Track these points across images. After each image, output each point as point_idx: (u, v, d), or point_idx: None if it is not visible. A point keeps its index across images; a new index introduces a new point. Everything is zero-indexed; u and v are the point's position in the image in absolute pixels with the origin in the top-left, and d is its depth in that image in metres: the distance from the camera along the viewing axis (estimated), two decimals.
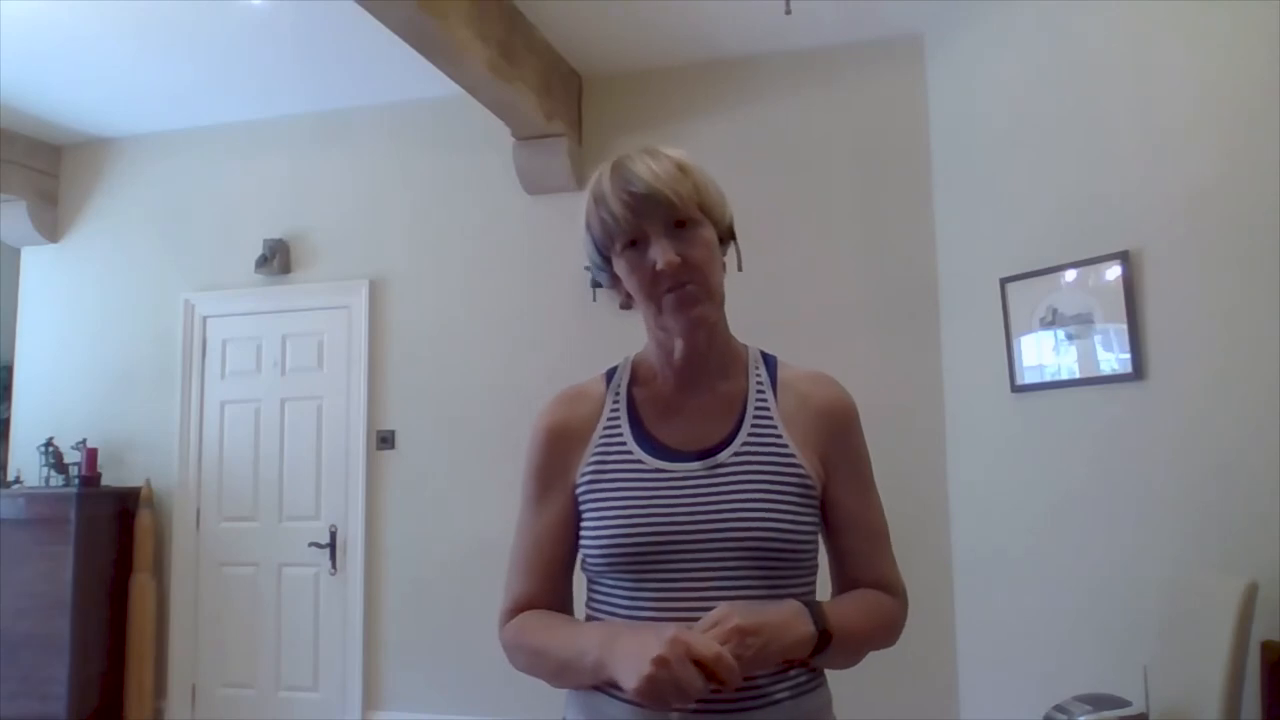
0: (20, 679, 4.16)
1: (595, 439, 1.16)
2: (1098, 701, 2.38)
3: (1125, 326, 2.84)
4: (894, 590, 1.18)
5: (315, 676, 4.30)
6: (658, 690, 0.90)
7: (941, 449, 3.69)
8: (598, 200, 1.12)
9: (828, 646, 1.03)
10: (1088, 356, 3.00)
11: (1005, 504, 3.34)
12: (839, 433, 1.17)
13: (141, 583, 4.38)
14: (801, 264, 3.92)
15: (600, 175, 1.13)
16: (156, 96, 4.41)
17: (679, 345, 1.14)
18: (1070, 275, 3.05)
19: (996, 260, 3.36)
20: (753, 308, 3.94)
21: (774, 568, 1.07)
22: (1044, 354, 3.17)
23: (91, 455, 4.47)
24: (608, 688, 1.05)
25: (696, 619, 0.99)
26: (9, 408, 4.88)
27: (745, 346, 1.24)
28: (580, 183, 4.18)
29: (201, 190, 4.73)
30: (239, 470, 4.51)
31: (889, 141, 3.89)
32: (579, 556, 1.17)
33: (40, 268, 4.97)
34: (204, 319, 4.65)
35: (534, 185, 4.20)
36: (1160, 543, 2.74)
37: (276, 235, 4.54)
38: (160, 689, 4.47)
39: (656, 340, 1.18)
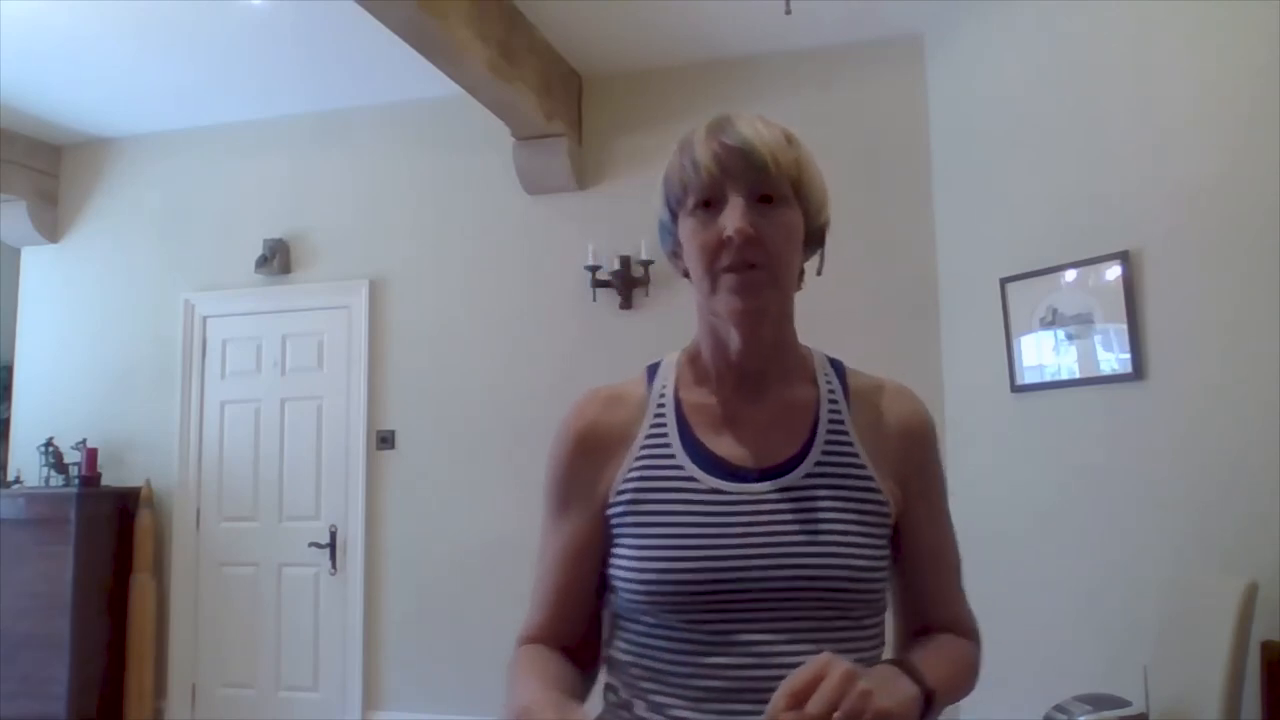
0: (20, 679, 4.16)
1: (635, 450, 0.98)
2: (1098, 701, 2.38)
3: (1125, 326, 2.84)
4: (969, 632, 1.05)
5: (315, 676, 4.30)
6: None
7: (941, 449, 3.68)
8: (683, 148, 0.97)
9: (930, 709, 0.86)
10: (1088, 356, 3.00)
11: (1005, 504, 3.34)
12: (919, 454, 1.03)
13: (141, 583, 4.38)
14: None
15: (697, 127, 0.98)
16: (156, 96, 4.40)
17: (734, 338, 0.96)
18: (1070, 275, 3.05)
19: (996, 260, 3.36)
20: None
21: (849, 610, 0.92)
22: (1044, 354, 3.17)
23: (91, 455, 4.47)
24: None
25: (755, 671, 0.86)
26: (9, 408, 4.88)
27: (810, 350, 1.07)
28: (580, 183, 4.18)
29: (201, 190, 4.73)
30: (239, 470, 4.51)
31: (889, 141, 3.89)
32: (609, 585, 0.99)
33: (40, 268, 4.97)
34: (204, 319, 4.65)
35: (534, 185, 4.20)
36: (1160, 543, 2.74)
37: (276, 235, 4.54)
38: (160, 689, 4.46)
39: (709, 331, 1.00)
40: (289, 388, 4.50)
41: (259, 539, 4.44)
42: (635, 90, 4.23)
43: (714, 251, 0.93)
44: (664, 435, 0.98)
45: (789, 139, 0.97)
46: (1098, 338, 2.96)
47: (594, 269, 4.00)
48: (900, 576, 1.02)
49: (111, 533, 4.37)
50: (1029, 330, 3.21)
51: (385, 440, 4.32)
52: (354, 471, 4.33)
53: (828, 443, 0.97)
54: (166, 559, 4.54)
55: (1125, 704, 2.36)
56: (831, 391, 1.02)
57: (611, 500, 0.97)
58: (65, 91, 4.31)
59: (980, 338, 3.46)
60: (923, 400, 1.07)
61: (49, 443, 4.48)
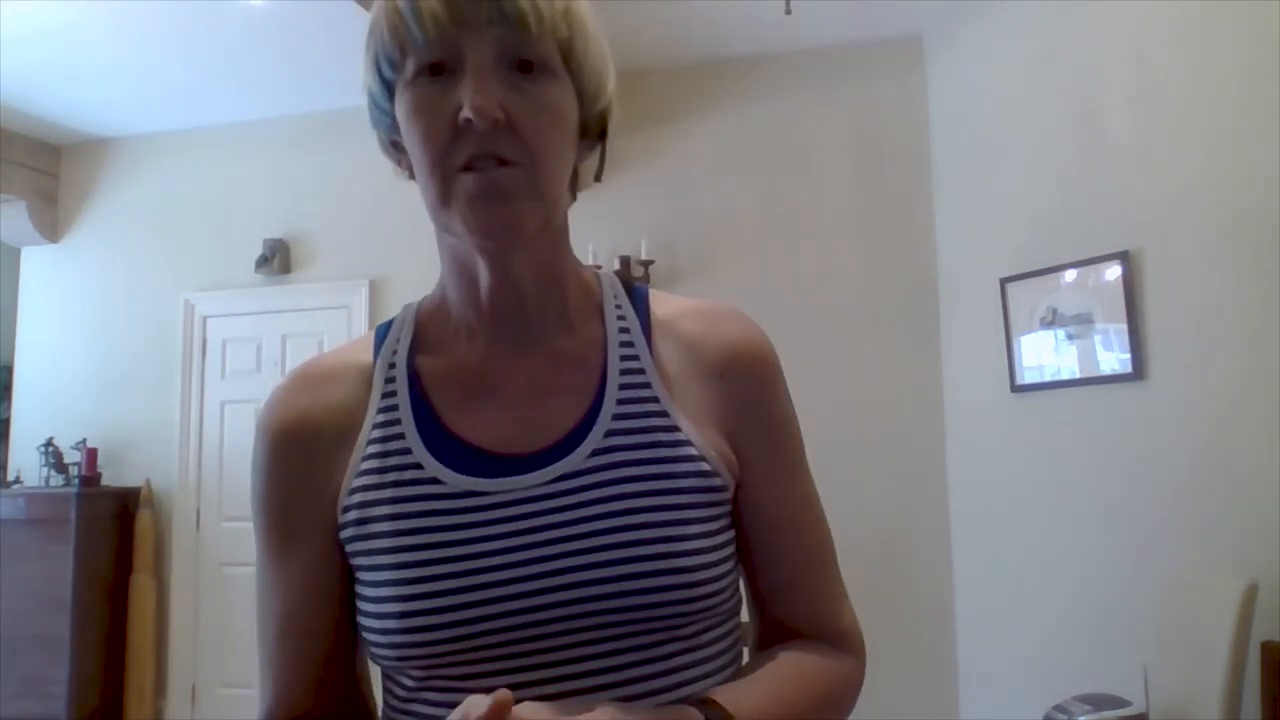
0: (20, 679, 4.16)
1: (361, 446, 0.71)
2: (1098, 701, 2.38)
3: (1125, 326, 2.84)
4: (843, 638, 0.76)
5: None
6: None
7: (941, 449, 3.69)
8: None
9: None
10: (1088, 356, 3.00)
11: (1005, 504, 3.34)
12: (753, 395, 0.74)
13: (141, 583, 4.38)
14: (801, 264, 3.92)
15: None
16: (156, 96, 4.40)
17: (484, 272, 0.70)
18: (1070, 275, 3.05)
19: (996, 260, 3.36)
20: (752, 307, 3.94)
21: (677, 628, 0.67)
22: (1044, 354, 3.17)
23: (91, 455, 4.47)
24: None
25: None
26: (9, 408, 4.88)
27: (598, 276, 0.80)
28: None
29: (201, 190, 4.73)
30: (239, 470, 4.51)
31: (889, 141, 3.89)
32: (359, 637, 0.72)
33: (40, 268, 4.97)
34: (204, 319, 4.65)
35: None
36: (1160, 543, 2.74)
37: (276, 235, 4.54)
38: (160, 689, 4.46)
39: (452, 265, 0.73)
40: None
41: None
42: (635, 90, 4.22)
43: (446, 140, 0.64)
44: (396, 422, 0.71)
45: None
46: (1098, 338, 2.96)
47: (593, 269, 3.99)
48: (748, 573, 0.76)
49: (111, 533, 4.37)
50: (1029, 330, 3.21)
51: None
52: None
53: (621, 401, 0.70)
54: (166, 559, 4.54)
55: (1125, 704, 2.36)
56: (625, 331, 0.73)
57: (341, 519, 0.70)
58: (65, 91, 4.31)
59: (980, 338, 3.46)
60: (756, 325, 0.78)
61: (49, 443, 4.48)
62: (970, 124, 3.59)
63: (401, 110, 0.67)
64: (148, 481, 4.54)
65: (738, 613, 0.75)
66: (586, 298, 0.76)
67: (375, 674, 0.75)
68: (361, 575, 0.69)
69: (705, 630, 0.69)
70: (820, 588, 0.76)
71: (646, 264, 3.92)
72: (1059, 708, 2.41)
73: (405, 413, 0.71)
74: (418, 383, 0.72)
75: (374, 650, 0.69)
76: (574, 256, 0.77)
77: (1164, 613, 2.57)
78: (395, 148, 0.73)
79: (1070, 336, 3.07)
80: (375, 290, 4.41)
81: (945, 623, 3.62)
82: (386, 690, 0.72)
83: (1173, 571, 2.63)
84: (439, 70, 0.65)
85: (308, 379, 0.74)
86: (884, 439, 3.74)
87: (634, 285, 0.79)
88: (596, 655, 0.65)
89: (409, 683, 0.69)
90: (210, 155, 4.73)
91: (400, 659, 0.66)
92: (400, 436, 0.70)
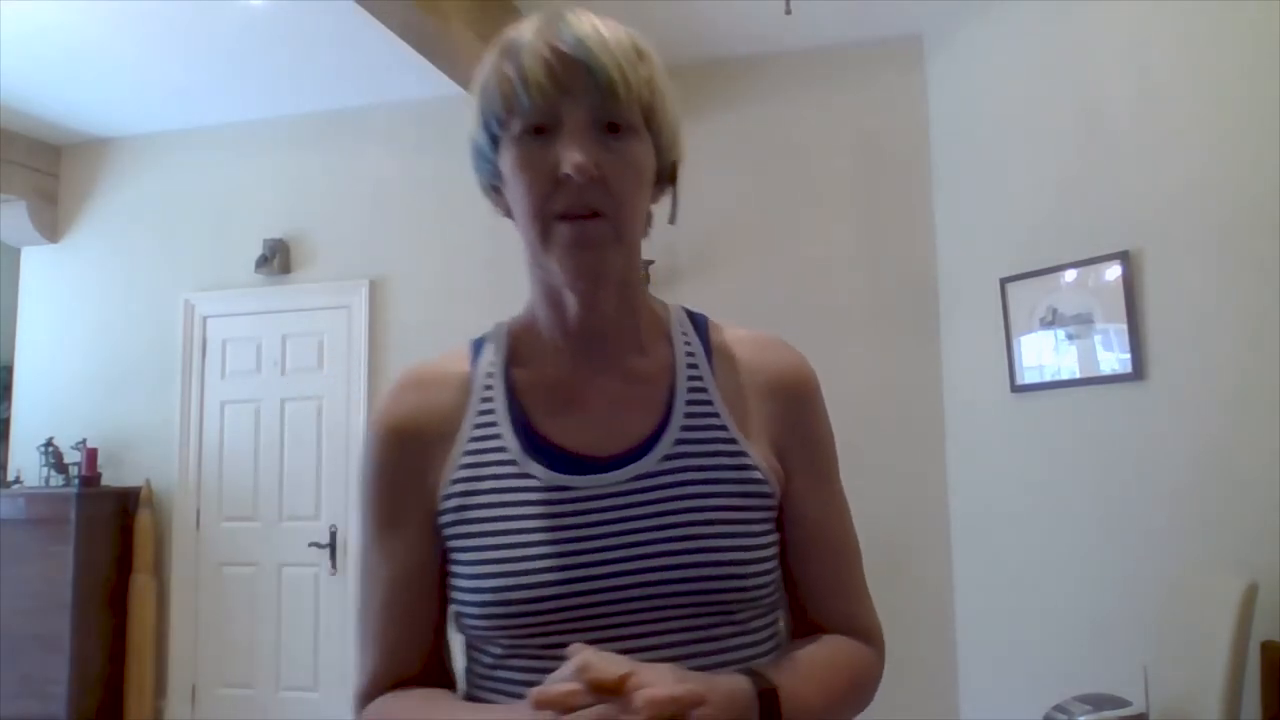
0: (20, 679, 4.16)
1: (461, 444, 0.81)
2: (1098, 701, 2.38)
3: (1125, 326, 2.84)
4: (868, 636, 0.87)
5: (315, 676, 4.30)
6: None
7: (941, 449, 3.69)
8: (506, 52, 0.77)
9: (777, 711, 0.71)
10: (1088, 356, 3.00)
11: (1005, 504, 3.34)
12: (799, 416, 0.86)
13: (141, 583, 4.38)
14: (801, 264, 3.92)
15: (527, 22, 0.79)
16: (156, 96, 4.40)
17: (573, 301, 0.81)
18: (1070, 275, 3.05)
19: (996, 260, 3.36)
20: (752, 308, 3.95)
21: (730, 613, 0.78)
22: (1044, 354, 3.17)
23: (91, 455, 4.47)
24: None
25: None
26: (9, 408, 4.88)
27: (665, 305, 0.91)
28: None
29: (201, 190, 4.73)
30: (239, 470, 4.51)
31: (889, 141, 3.89)
32: (451, 611, 0.84)
33: (40, 268, 4.97)
34: (204, 319, 4.65)
35: None
36: (1160, 543, 2.74)
37: (276, 235, 4.54)
38: (160, 689, 4.46)
39: (543, 292, 0.85)
40: (289, 388, 4.50)
41: (259, 539, 4.44)
42: None
43: (547, 191, 0.75)
44: (493, 423, 0.81)
45: (640, 52, 0.79)
46: (1098, 338, 2.96)
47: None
48: (785, 566, 0.85)
49: (111, 533, 4.37)
50: (1029, 330, 3.21)
51: None
52: (354, 471, 4.32)
53: (688, 415, 0.81)
54: (166, 559, 4.54)
55: (1125, 704, 2.36)
56: (690, 354, 0.85)
57: (441, 506, 0.81)
58: (65, 91, 4.31)
59: (980, 338, 3.46)
60: (802, 354, 0.90)
61: (49, 443, 4.48)
62: (970, 124, 3.59)
63: (507, 163, 0.78)
64: (148, 481, 4.54)
65: (779, 606, 0.85)
66: (656, 324, 0.88)
67: (455, 647, 0.86)
68: (458, 556, 0.79)
69: (753, 618, 0.80)
70: (848, 588, 0.88)
71: (647, 264, 3.91)
72: (1059, 708, 2.41)
73: (502, 416, 0.82)
74: (513, 391, 0.84)
75: (467, 622, 0.80)
76: (645, 289, 0.88)
77: (1164, 613, 2.57)
78: (494, 190, 0.85)
79: (1070, 336, 3.07)
80: (375, 290, 4.41)
81: (945, 623, 3.62)
82: (471, 659, 0.83)
83: (1173, 571, 2.63)
84: (541, 131, 0.76)
85: (413, 384, 0.86)
86: (884, 439, 3.74)
87: (694, 314, 0.91)
88: (659, 632, 0.75)
89: (496, 651, 0.79)
90: (210, 155, 4.73)
91: (491, 629, 0.77)
92: (497, 437, 0.81)
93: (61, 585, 4.16)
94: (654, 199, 0.84)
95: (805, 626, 0.87)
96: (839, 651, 0.84)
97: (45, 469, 4.46)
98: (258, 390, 4.54)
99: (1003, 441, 3.38)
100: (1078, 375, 3.04)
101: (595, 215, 0.75)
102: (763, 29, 3.80)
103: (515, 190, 0.78)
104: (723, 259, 3.97)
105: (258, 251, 4.50)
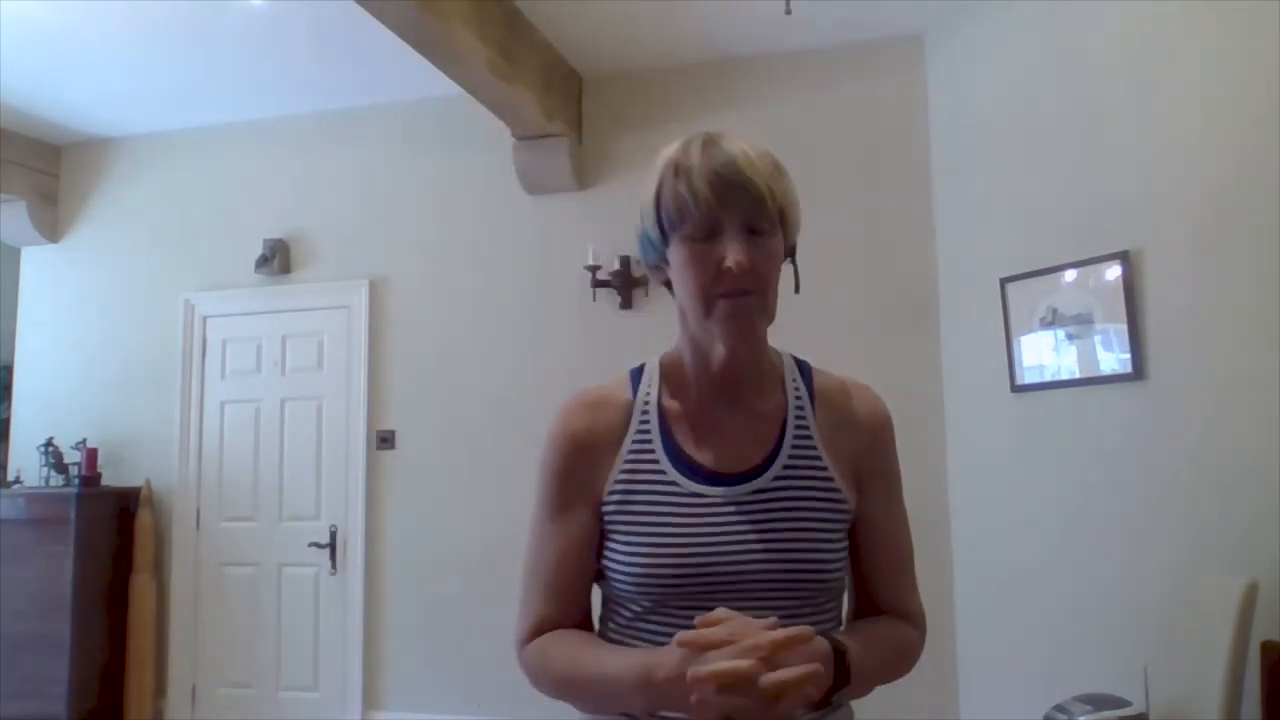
0: (20, 679, 4.16)
1: (624, 453, 1.07)
2: (1098, 701, 2.38)
3: (1125, 326, 2.84)
4: (915, 620, 1.13)
5: (315, 676, 4.30)
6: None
7: (941, 449, 3.69)
8: (679, 171, 1.00)
9: (846, 666, 0.95)
10: (1088, 356, 3.00)
11: (1005, 504, 3.34)
12: (875, 449, 1.12)
13: (141, 583, 4.38)
14: (801, 264, 3.91)
15: (688, 145, 1.01)
16: (156, 96, 4.41)
17: (720, 354, 1.04)
18: (1070, 275, 3.05)
19: (996, 260, 3.36)
20: None
21: (812, 598, 1.03)
22: (1044, 354, 3.17)
23: (91, 455, 4.47)
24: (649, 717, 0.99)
25: None
26: (9, 408, 4.88)
27: (780, 354, 1.15)
28: (580, 183, 4.18)
29: (201, 190, 4.73)
30: (239, 470, 4.51)
31: (889, 141, 3.89)
32: (602, 574, 1.09)
33: (40, 268, 4.97)
34: (204, 319, 4.65)
35: (534, 185, 4.20)
36: (1160, 542, 2.74)
37: (276, 235, 4.54)
38: (160, 689, 4.47)
39: (692, 342, 1.08)
40: (289, 388, 4.50)
41: (259, 539, 4.44)
42: (635, 90, 4.23)
43: (713, 279, 0.99)
44: (649, 441, 1.07)
45: (778, 168, 1.03)
46: (1098, 338, 2.96)
47: (594, 269, 4.00)
48: (854, 564, 1.11)
49: (111, 533, 4.37)
50: (1029, 330, 3.21)
51: (385, 440, 4.32)
52: (354, 471, 4.33)
53: (794, 448, 1.07)
54: (166, 559, 4.54)
55: (1125, 704, 2.36)
56: (799, 398, 1.10)
57: (604, 500, 1.06)
58: (65, 91, 4.31)
59: (980, 338, 3.46)
60: (882, 400, 1.16)
61: (49, 443, 4.48)
62: (970, 123, 3.59)
63: (678, 257, 1.02)
64: (148, 481, 4.54)
65: (842, 591, 1.11)
66: (773, 371, 1.12)
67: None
68: (616, 537, 1.04)
69: (825, 601, 1.05)
70: (902, 581, 1.13)
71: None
72: (1059, 708, 2.41)
73: (655, 437, 1.07)
74: (664, 418, 1.08)
75: (617, 586, 1.05)
76: (767, 343, 1.11)
77: (1164, 613, 2.57)
78: (657, 269, 1.08)
79: (1070, 336, 3.07)
80: (375, 290, 4.41)
81: (945, 623, 3.62)
82: (611, 614, 1.09)
83: (1173, 571, 2.63)
84: (708, 234, 0.99)
85: (588, 405, 1.10)
86: None
87: (801, 362, 1.16)
88: (758, 606, 0.97)
89: (636, 609, 1.04)
90: (210, 155, 4.73)
91: (637, 592, 1.03)
92: (651, 452, 1.06)
93: (61, 585, 4.17)
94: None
95: (866, 609, 1.12)
96: (892, 629, 1.09)
97: (45, 469, 4.46)
98: (258, 390, 4.54)
99: (1003, 441, 3.38)
100: (1078, 375, 3.04)
101: (747, 293, 1.00)
102: (763, 29, 3.80)
103: (685, 274, 1.02)
104: None
105: (258, 251, 4.50)
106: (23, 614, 4.19)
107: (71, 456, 4.47)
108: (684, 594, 1.00)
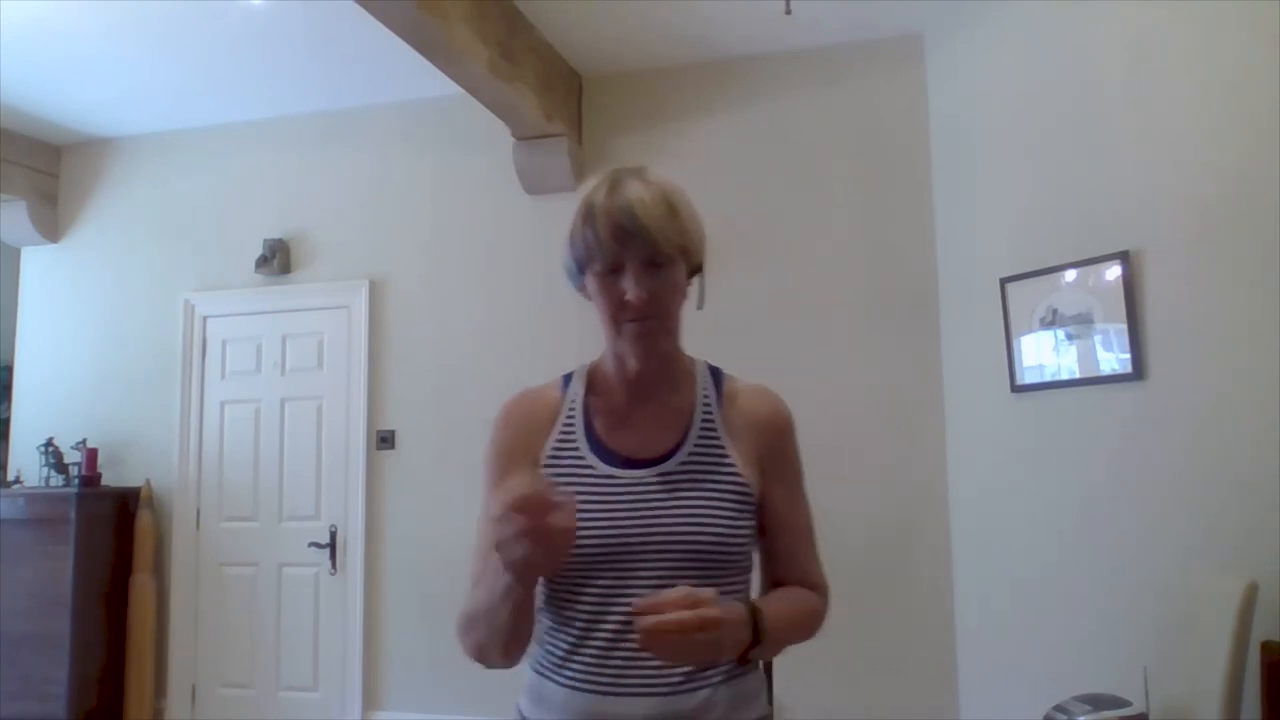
0: (20, 679, 4.16)
1: (551, 442, 1.23)
2: (1098, 701, 2.38)
3: (1125, 326, 2.84)
4: (819, 588, 1.27)
5: (315, 676, 4.30)
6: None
7: (941, 449, 3.69)
8: (587, 218, 1.16)
9: (759, 626, 1.09)
10: (1088, 356, 3.00)
11: (1005, 504, 3.34)
12: (776, 443, 1.25)
13: (141, 583, 4.38)
14: (801, 264, 3.92)
15: (597, 190, 1.17)
16: (156, 96, 4.41)
17: (632, 363, 1.20)
18: (1070, 275, 3.05)
19: (996, 260, 3.36)
20: (752, 308, 3.95)
21: (713, 569, 1.14)
22: (1044, 354, 3.17)
23: (91, 455, 4.47)
24: (549, 673, 1.16)
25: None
26: (9, 408, 4.88)
27: (694, 361, 1.31)
28: (580, 183, 4.18)
29: (201, 190, 4.73)
30: (239, 470, 4.51)
31: (889, 141, 3.89)
32: None
33: (40, 268, 4.97)
34: (204, 319, 4.65)
35: (534, 185, 4.20)
36: (1160, 542, 2.74)
37: (276, 235, 4.54)
38: (160, 689, 4.47)
39: (613, 353, 1.24)
40: (289, 388, 4.50)
41: (259, 539, 4.44)
42: (635, 90, 4.23)
43: (618, 308, 1.16)
44: (572, 431, 1.23)
45: (673, 209, 1.16)
46: (1098, 338, 2.96)
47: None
48: (761, 540, 1.26)
49: (111, 533, 4.37)
50: (1029, 330, 3.21)
51: (385, 440, 4.32)
52: (354, 471, 4.33)
53: (700, 438, 1.21)
54: (166, 559, 4.54)
55: (1125, 704, 2.35)
56: (707, 397, 1.25)
57: None
58: (65, 91, 4.31)
59: (980, 338, 3.46)
60: (784, 402, 1.29)
61: (49, 443, 4.49)
62: (970, 123, 3.59)
63: (591, 286, 1.19)
64: (148, 481, 4.54)
65: (749, 570, 1.23)
66: (686, 375, 1.27)
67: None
68: None
69: (731, 575, 1.17)
70: (806, 556, 1.28)
71: None
72: (1059, 708, 2.41)
73: (579, 429, 1.23)
74: (587, 413, 1.24)
75: None
76: (680, 350, 1.27)
77: (1164, 613, 2.57)
78: (581, 290, 1.23)
79: (1070, 336, 3.07)
80: (375, 290, 4.41)
81: (945, 623, 3.62)
82: (544, 586, 1.20)
83: (1173, 571, 2.63)
84: (611, 270, 1.15)
85: (529, 397, 1.29)
86: (884, 439, 3.74)
87: (714, 369, 1.30)
88: (668, 577, 1.10)
89: (563, 578, 1.15)
90: (210, 155, 4.74)
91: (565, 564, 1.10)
92: (574, 441, 1.22)
93: (61, 585, 4.17)
94: (688, 284, 1.23)
95: (773, 583, 1.27)
96: (799, 595, 1.24)
97: (45, 469, 4.46)
98: (258, 390, 4.54)
99: (1003, 441, 3.37)
100: (1077, 375, 3.04)
101: (648, 319, 1.16)
102: (763, 29, 3.80)
103: (597, 302, 1.19)
104: (722, 259, 3.94)
105: (258, 251, 4.50)
106: (22, 614, 4.20)
107: (71, 456, 4.47)
108: (600, 563, 1.13)
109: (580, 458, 1.20)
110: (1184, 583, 2.53)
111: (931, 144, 3.80)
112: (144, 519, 4.44)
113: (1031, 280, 3.19)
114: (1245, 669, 2.22)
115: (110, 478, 4.56)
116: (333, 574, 4.31)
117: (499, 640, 1.11)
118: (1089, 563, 2.97)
